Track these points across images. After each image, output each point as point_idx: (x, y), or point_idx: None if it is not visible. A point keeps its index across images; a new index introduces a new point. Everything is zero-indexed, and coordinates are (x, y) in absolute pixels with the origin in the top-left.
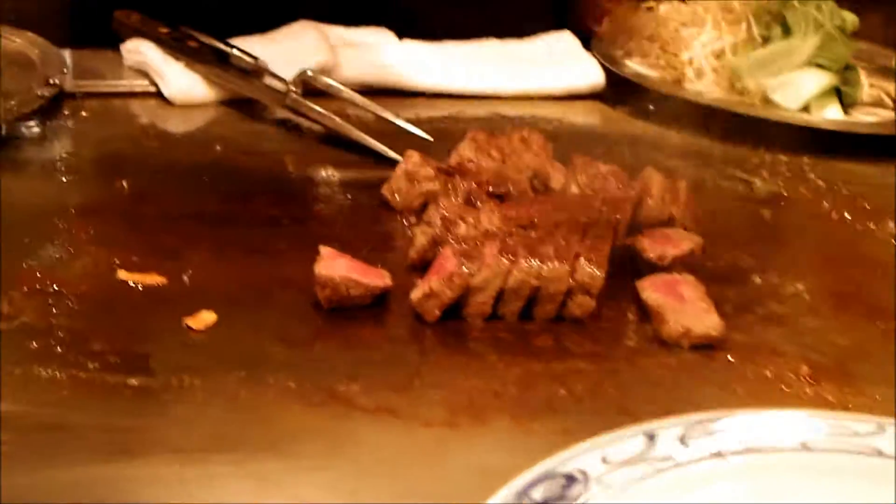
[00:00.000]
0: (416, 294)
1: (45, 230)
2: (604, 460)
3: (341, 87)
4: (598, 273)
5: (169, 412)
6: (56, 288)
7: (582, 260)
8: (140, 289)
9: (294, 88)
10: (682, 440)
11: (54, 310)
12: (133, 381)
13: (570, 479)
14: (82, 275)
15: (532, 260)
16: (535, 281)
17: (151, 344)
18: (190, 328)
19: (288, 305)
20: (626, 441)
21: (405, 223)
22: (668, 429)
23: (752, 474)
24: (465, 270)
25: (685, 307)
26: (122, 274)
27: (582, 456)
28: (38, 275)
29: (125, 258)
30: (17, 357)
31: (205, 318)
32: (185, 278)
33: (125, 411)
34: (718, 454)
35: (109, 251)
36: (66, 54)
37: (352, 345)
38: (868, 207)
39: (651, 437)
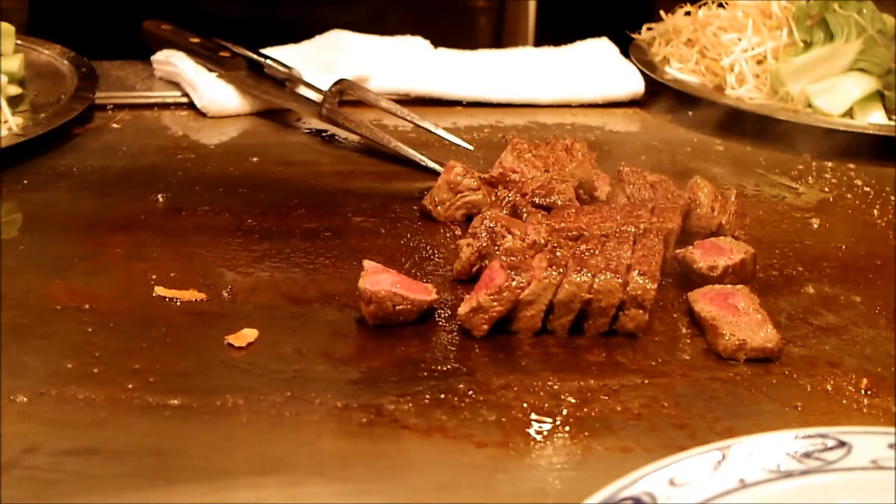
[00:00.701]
0: (463, 309)
1: (79, 245)
2: (671, 482)
3: (378, 97)
4: (651, 285)
5: (211, 433)
6: (91, 305)
7: (634, 272)
8: (178, 305)
9: (330, 98)
10: (750, 461)
11: (90, 328)
12: (173, 402)
13: (638, 503)
14: (118, 291)
15: (583, 272)
16: (586, 294)
17: (192, 362)
18: (231, 345)
19: (331, 321)
20: (692, 462)
21: (448, 235)
22: (735, 449)
23: (824, 495)
24: (515, 284)
25: (740, 319)
26: (160, 290)
27: (648, 478)
28: (73, 291)
29: (162, 274)
30: (52, 378)
31: (246, 335)
32: (225, 294)
33: (165, 433)
34: (788, 475)
35: (145, 266)
36: (96, 66)
37: (399, 362)
38: None
39: (719, 458)
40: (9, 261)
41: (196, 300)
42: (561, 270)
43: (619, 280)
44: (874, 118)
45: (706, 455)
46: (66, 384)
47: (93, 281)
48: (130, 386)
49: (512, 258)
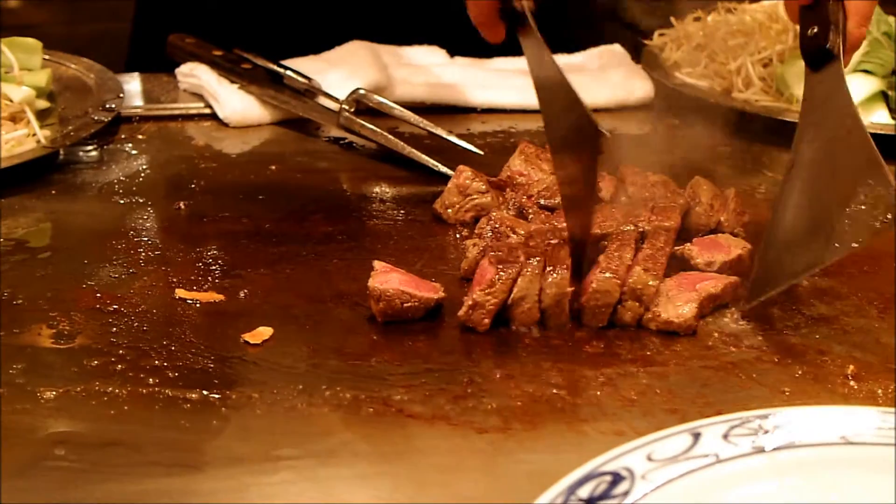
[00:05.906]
0: (462, 310)
1: (104, 251)
2: (649, 458)
3: (393, 106)
4: (654, 282)
5: (228, 425)
6: (116, 307)
7: (638, 268)
8: (198, 306)
9: (347, 107)
10: (726, 438)
11: (114, 328)
12: (192, 396)
13: (617, 477)
14: (141, 294)
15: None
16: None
17: (210, 359)
18: (247, 343)
19: (343, 319)
20: (670, 439)
21: (457, 236)
22: (712, 427)
23: (794, 469)
24: (504, 276)
25: (678, 296)
26: (181, 292)
27: (627, 454)
28: (98, 295)
29: (183, 277)
30: (78, 375)
31: (262, 333)
32: (242, 295)
33: (185, 425)
34: (761, 450)
35: (167, 270)
36: (122, 79)
37: (406, 356)
38: None
39: (695, 436)
40: (38, 267)
41: (215, 301)
42: (538, 259)
43: (616, 280)
44: (877, 118)
45: (682, 433)
46: (92, 381)
47: (118, 284)
48: (152, 381)
49: (499, 252)
